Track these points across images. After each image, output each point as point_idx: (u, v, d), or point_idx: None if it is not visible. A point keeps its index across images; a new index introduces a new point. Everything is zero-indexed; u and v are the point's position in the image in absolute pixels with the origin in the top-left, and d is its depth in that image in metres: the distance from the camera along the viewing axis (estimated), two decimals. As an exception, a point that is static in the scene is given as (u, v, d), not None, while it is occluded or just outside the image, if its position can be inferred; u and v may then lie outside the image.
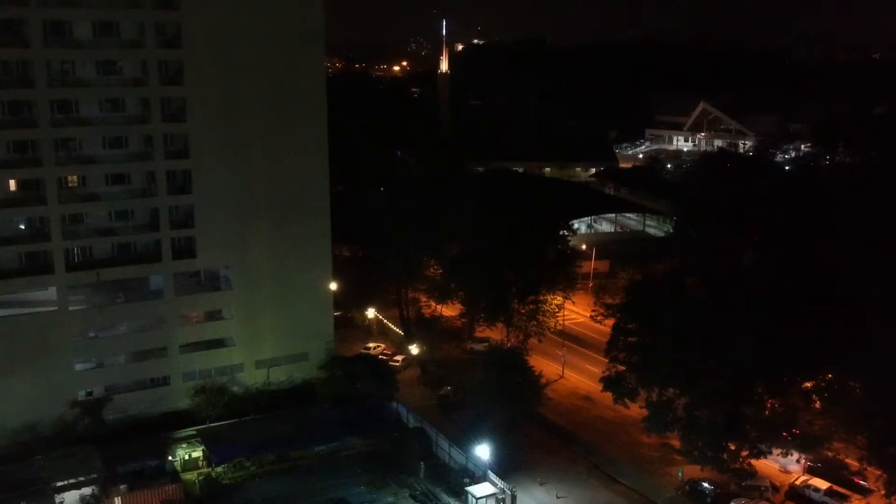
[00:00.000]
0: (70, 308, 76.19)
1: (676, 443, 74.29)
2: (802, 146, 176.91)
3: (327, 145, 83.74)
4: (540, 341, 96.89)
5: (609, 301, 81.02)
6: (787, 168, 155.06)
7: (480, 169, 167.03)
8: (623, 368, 75.27)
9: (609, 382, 76.34)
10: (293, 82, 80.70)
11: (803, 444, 66.76)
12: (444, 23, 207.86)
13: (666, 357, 70.55)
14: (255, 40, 78.06)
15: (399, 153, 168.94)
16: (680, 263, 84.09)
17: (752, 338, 66.49)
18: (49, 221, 74.07)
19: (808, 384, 67.34)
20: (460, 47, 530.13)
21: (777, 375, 67.53)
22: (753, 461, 70.64)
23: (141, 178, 78.35)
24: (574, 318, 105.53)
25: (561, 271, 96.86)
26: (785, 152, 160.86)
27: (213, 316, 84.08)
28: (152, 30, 74.88)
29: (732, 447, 67.94)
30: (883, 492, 60.93)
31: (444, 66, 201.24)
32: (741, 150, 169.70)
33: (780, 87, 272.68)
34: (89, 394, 77.76)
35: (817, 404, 66.38)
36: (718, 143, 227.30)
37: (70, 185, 77.22)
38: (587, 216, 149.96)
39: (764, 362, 66.40)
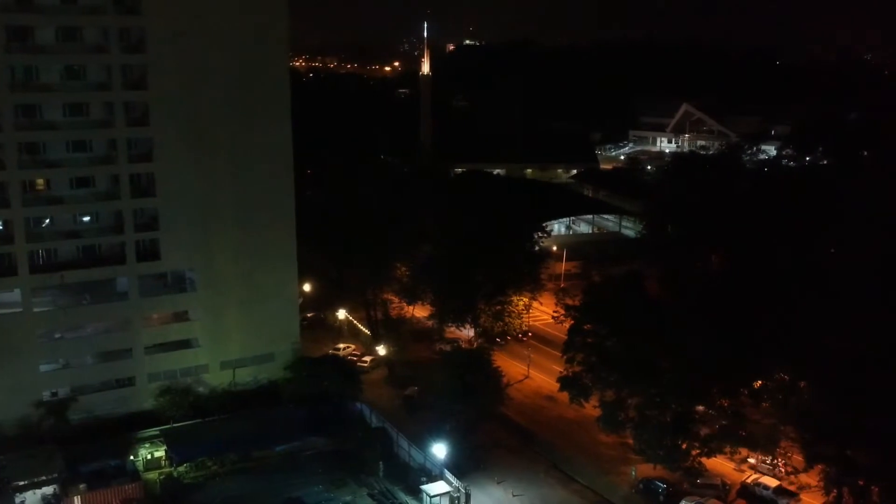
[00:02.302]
0: (35, 310, 77.04)
1: (634, 442, 75.45)
2: (775, 148, 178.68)
3: (292, 148, 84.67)
4: (508, 341, 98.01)
5: (570, 302, 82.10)
6: (765, 169, 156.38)
7: (459, 170, 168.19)
8: (579, 369, 76.41)
9: (566, 382, 77.52)
10: (257, 86, 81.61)
11: (751, 442, 67.85)
12: (426, 24, 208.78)
13: (619, 357, 71.76)
14: (219, 45, 78.95)
15: (381, 155, 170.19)
16: (638, 265, 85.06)
17: (704, 338, 67.70)
18: (13, 224, 74.88)
19: (758, 384, 68.44)
20: (451, 47, 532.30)
21: (729, 375, 68.51)
22: (709, 460, 72.02)
23: (105, 182, 79.24)
24: (543, 319, 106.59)
25: (527, 273, 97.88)
26: (754, 154, 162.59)
27: (180, 317, 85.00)
28: (115, 35, 75.80)
29: (683, 446, 69.06)
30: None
31: (425, 67, 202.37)
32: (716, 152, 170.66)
33: (770, 89, 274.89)
34: (54, 394, 78.50)
35: (766, 404, 67.52)
36: (701, 143, 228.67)
37: (38, 188, 78.29)
38: (563, 218, 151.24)
39: (716, 362, 67.42)
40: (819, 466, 60.73)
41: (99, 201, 79.09)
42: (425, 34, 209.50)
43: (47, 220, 79.22)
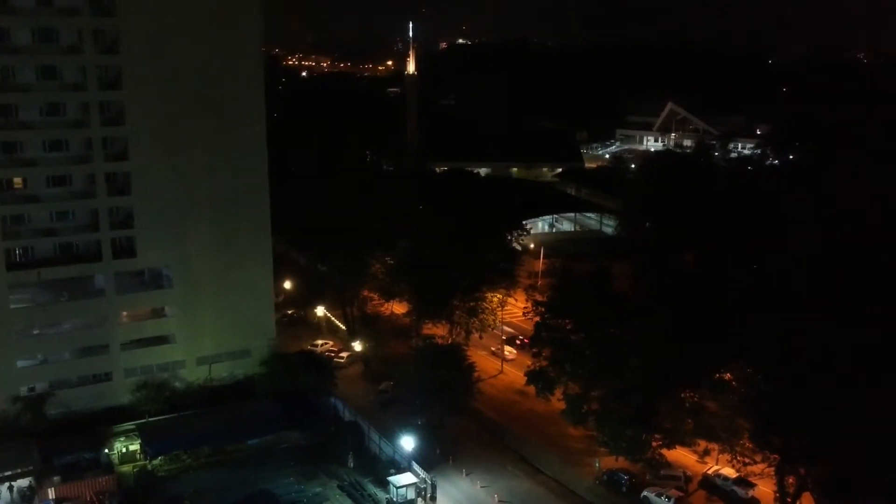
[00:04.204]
0: (12, 307, 78.39)
1: (601, 435, 76.96)
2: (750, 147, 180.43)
3: (266, 147, 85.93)
4: (481, 337, 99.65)
5: (538, 298, 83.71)
6: (748, 168, 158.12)
7: (443, 169, 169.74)
8: (546, 363, 78.07)
9: (533, 376, 79.18)
10: (232, 86, 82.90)
11: (710, 433, 69.49)
12: (412, 25, 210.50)
13: (583, 352, 73.42)
14: (193, 46, 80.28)
15: (367, 153, 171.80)
16: (607, 261, 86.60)
17: (667, 331, 69.33)
18: (-10, 222, 76.29)
19: (716, 377, 70.04)
20: (444, 46, 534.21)
21: (691, 368, 70.02)
22: (673, 452, 73.74)
23: (82, 180, 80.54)
24: (519, 315, 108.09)
25: (502, 270, 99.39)
26: (728, 153, 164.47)
27: (157, 314, 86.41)
28: (90, 36, 77.09)
29: (644, 438, 70.66)
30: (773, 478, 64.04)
31: (411, 67, 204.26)
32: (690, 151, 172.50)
33: (759, 88, 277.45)
34: (31, 389, 79.83)
35: (721, 397, 69.09)
36: (687, 143, 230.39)
37: (15, 186, 79.58)
38: (545, 216, 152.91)
39: (675, 358, 68.97)
40: (771, 456, 62.50)
41: (75, 199, 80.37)
42: (411, 34, 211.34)
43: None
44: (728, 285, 67.67)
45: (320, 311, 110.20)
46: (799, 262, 59.60)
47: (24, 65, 77.01)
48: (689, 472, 73.73)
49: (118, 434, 77.35)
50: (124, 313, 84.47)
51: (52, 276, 79.62)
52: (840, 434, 52.95)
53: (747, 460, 66.86)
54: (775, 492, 64.30)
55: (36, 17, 76.30)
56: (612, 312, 75.29)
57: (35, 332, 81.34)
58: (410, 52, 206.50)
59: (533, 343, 79.46)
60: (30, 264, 79.22)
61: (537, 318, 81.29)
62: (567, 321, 77.22)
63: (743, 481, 70.10)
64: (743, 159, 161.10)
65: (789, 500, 62.78)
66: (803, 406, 55.23)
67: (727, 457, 69.82)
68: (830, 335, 54.53)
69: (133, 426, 78.22)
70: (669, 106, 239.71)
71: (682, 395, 71.04)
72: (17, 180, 79.29)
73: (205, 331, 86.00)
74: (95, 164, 79.25)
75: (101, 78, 78.51)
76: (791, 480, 61.71)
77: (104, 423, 78.17)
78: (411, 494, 69.36)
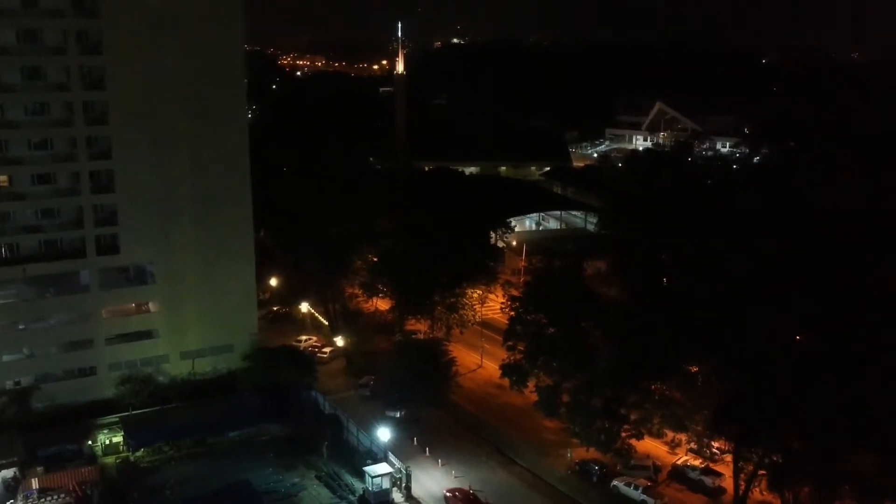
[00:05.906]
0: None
1: (575, 427, 78.67)
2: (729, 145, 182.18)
3: (248, 145, 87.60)
4: (462, 332, 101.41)
5: (514, 293, 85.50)
6: (734, 167, 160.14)
7: (430, 168, 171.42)
8: (520, 356, 79.88)
9: (507, 369, 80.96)
10: (214, 87, 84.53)
11: (676, 424, 71.31)
12: (400, 24, 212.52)
13: (556, 345, 75.23)
14: (176, 47, 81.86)
15: (357, 152, 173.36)
16: (582, 258, 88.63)
17: (634, 329, 71.18)
18: (-24, 220, 77.93)
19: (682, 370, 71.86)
20: (438, 45, 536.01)
21: (657, 363, 71.86)
22: (644, 443, 75.52)
23: (66, 178, 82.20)
24: (497, 310, 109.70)
25: (482, 267, 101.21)
26: (708, 150, 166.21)
27: (142, 309, 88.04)
28: (74, 37, 78.76)
29: (614, 429, 72.47)
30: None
31: (399, 66, 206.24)
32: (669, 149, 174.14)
33: (752, 87, 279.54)
34: (17, 383, 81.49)
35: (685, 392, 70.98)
36: (674, 142, 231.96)
37: (2, 184, 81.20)
38: (530, 214, 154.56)
39: (645, 352, 70.79)
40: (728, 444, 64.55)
41: (60, 197, 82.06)
42: (399, 34, 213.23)
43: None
44: (696, 282, 69.38)
45: (304, 307, 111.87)
46: (756, 260, 61.43)
47: (10, 65, 78.60)
48: (658, 463, 75.51)
49: (102, 426, 79.00)
50: (108, 309, 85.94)
51: (37, 273, 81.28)
52: (786, 423, 54.92)
53: (714, 449, 68.80)
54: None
55: (20, 18, 77.88)
56: (586, 307, 77.13)
57: (21, 327, 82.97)
58: (399, 52, 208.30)
59: (507, 337, 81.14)
60: (15, 261, 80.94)
61: (512, 313, 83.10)
62: (542, 315, 78.92)
63: (711, 471, 71.93)
64: (723, 157, 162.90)
65: (742, 484, 64.68)
66: (753, 397, 57.14)
67: (693, 446, 71.62)
68: (779, 333, 56.47)
69: (116, 419, 79.81)
70: (658, 105, 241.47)
71: (652, 387, 72.79)
72: (3, 178, 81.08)
73: (188, 326, 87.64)
74: (80, 162, 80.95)
75: (84, 78, 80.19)
76: (750, 468, 63.63)
77: (88, 415, 79.81)
78: (386, 484, 71.02)
